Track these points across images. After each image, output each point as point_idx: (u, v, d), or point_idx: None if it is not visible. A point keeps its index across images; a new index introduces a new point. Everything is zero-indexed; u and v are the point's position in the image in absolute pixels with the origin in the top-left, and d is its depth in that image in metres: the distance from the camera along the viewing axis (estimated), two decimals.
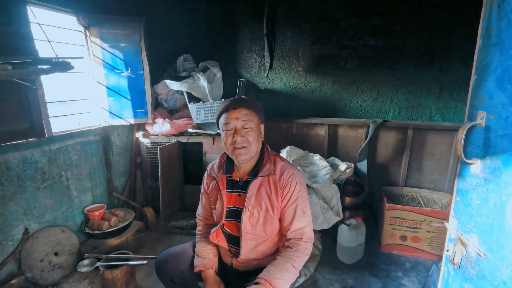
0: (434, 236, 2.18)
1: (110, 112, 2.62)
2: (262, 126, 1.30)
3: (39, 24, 1.83)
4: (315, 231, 2.18)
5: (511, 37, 0.82)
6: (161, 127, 2.69)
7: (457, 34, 2.45)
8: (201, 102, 2.60)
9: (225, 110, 1.23)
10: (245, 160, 1.24)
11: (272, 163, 1.27)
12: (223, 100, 2.65)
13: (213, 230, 1.32)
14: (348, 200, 2.35)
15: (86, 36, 2.46)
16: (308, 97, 3.01)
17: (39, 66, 1.50)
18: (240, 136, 1.20)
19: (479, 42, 0.96)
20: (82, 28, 2.43)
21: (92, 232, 2.23)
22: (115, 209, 2.54)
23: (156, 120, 2.75)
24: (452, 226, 1.08)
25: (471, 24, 2.37)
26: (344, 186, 2.46)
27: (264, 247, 1.28)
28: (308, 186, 2.14)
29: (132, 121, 2.69)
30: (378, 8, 2.60)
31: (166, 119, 2.73)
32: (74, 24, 2.40)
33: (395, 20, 2.58)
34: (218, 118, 1.28)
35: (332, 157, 2.62)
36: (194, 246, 1.40)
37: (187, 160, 3.00)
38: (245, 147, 1.21)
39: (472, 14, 2.35)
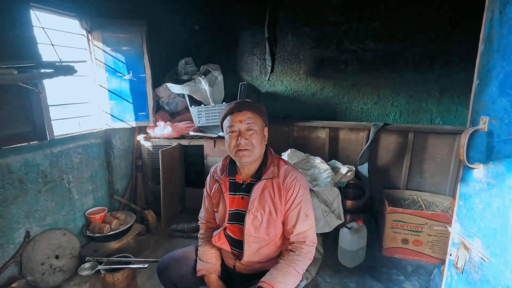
0: (435, 239, 2.18)
1: (111, 115, 2.63)
2: (266, 129, 1.31)
3: (43, 28, 1.84)
4: (316, 235, 2.17)
5: None
6: (163, 130, 2.70)
7: (458, 37, 2.46)
8: (202, 105, 2.61)
9: (230, 112, 1.24)
10: (248, 162, 1.24)
11: (275, 166, 1.27)
12: (224, 103, 2.66)
13: (215, 233, 1.32)
14: (349, 203, 2.36)
15: (88, 39, 2.47)
16: (309, 100, 3.02)
17: (43, 70, 1.51)
18: (244, 138, 1.21)
19: (481, 47, 0.97)
20: (84, 32, 2.44)
21: (93, 235, 2.23)
22: (116, 212, 2.54)
23: (157, 123, 2.75)
24: (455, 230, 1.08)
25: (472, 27, 2.39)
26: (345, 189, 2.45)
27: (267, 251, 1.28)
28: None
29: (133, 124, 2.70)
30: (379, 12, 2.62)
31: (168, 122, 2.74)
32: (77, 28, 2.41)
33: (396, 23, 2.60)
34: (222, 121, 1.29)
35: (333, 160, 2.62)
36: (196, 250, 1.40)
37: (188, 163, 3.00)
38: (248, 149, 1.22)
39: (473, 18, 2.37)
